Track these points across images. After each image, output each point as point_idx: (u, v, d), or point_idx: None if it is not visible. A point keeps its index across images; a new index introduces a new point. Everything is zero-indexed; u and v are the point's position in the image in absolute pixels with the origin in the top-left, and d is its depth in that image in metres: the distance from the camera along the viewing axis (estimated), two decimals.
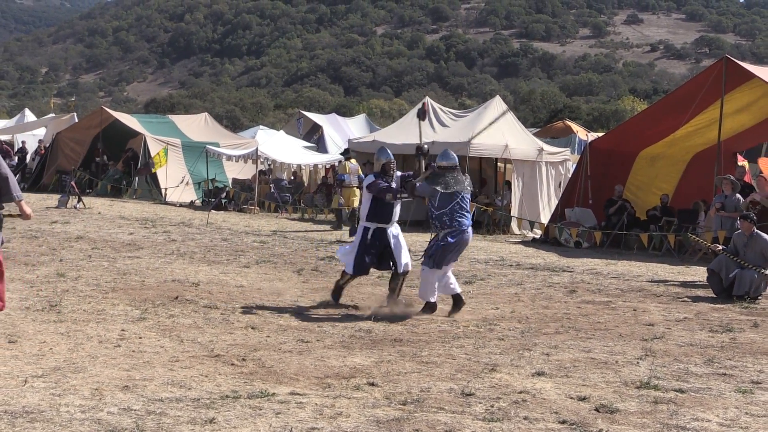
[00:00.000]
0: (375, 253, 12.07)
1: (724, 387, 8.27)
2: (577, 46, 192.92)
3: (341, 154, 28.27)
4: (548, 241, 22.59)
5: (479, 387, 7.91)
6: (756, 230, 14.58)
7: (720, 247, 14.97)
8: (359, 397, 7.45)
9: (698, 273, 16.40)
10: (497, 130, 26.05)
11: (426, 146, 12.58)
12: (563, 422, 6.90)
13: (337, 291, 12.44)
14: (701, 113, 21.19)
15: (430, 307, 11.78)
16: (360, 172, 26.31)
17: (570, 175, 25.48)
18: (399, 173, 12.49)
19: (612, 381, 8.35)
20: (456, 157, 11.90)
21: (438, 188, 11.61)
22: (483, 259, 18.59)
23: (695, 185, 22.55)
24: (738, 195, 17.94)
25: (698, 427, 6.92)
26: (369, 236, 12.10)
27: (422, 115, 14.30)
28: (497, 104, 27.86)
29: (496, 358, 9.21)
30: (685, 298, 14.04)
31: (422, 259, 11.93)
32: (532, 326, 11.11)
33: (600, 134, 32.41)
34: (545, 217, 25.06)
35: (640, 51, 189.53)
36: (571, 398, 7.65)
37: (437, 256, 11.65)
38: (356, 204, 25.55)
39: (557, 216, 23.50)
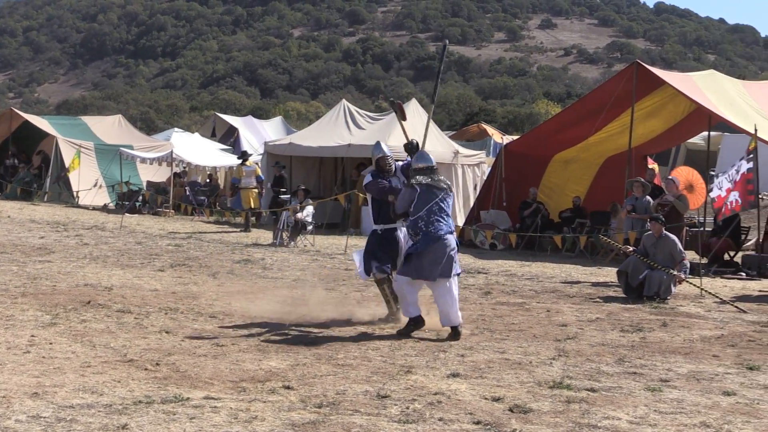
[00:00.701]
0: (384, 256, 11.23)
1: (634, 385, 8.41)
2: (493, 49, 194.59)
3: (239, 157, 28.20)
4: (463, 243, 22.71)
5: (395, 389, 7.93)
6: (665, 232, 14.88)
7: (630, 249, 15.24)
8: (274, 400, 7.42)
9: (610, 274, 16.67)
10: (414, 133, 26.10)
11: (415, 141, 11.48)
12: (478, 423, 6.95)
13: (391, 302, 11.43)
14: (613, 118, 21.55)
15: (415, 323, 10.67)
16: (258, 172, 26.32)
17: (485, 178, 25.70)
18: (399, 163, 11.60)
19: (526, 381, 8.44)
20: (432, 159, 11.04)
21: (416, 187, 10.68)
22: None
23: (607, 188, 22.91)
24: (648, 197, 18.31)
25: (609, 426, 7.03)
26: (377, 239, 11.37)
27: (402, 115, 12.77)
28: (413, 107, 27.97)
29: (411, 360, 9.25)
30: (597, 299, 14.26)
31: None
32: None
33: (515, 137, 32.77)
34: (461, 220, 25.23)
35: (554, 55, 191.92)
36: (486, 399, 7.72)
37: (412, 265, 10.59)
38: (254, 204, 25.57)
39: (472, 218, 23.70)
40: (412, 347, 9.92)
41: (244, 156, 27.23)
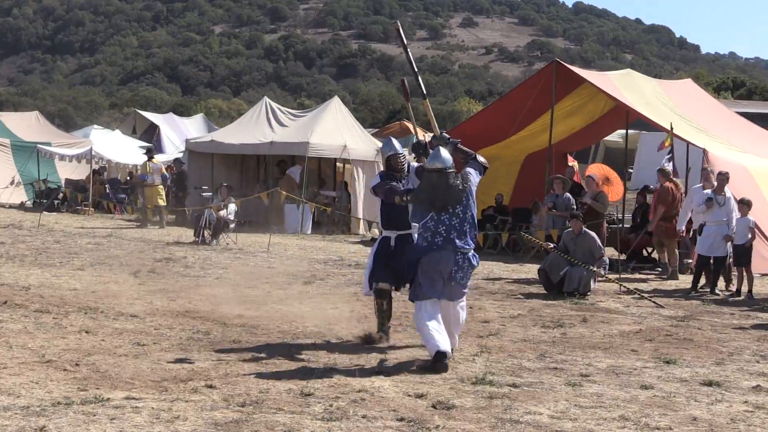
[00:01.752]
0: (392, 265, 9.86)
1: (555, 380, 8.52)
2: (415, 47, 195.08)
3: (144, 153, 28.05)
4: None
5: (318, 387, 7.92)
6: (584, 229, 15.09)
7: (551, 246, 15.42)
8: (197, 399, 7.36)
9: (531, 271, 16.85)
10: (336, 130, 26.17)
11: (423, 141, 10.22)
12: (401, 419, 6.98)
13: (379, 321, 10.26)
14: (533, 115, 21.78)
15: (437, 360, 8.75)
16: (164, 170, 26.18)
17: None
18: (415, 165, 10.17)
19: (449, 378, 8.49)
20: (449, 159, 9.28)
21: (419, 196, 9.25)
22: (322, 259, 18.64)
23: (529, 185, 23.13)
24: (568, 194, 18.55)
25: (530, 420, 7.11)
26: (387, 246, 10.00)
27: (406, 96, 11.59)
28: (336, 105, 27.99)
29: (335, 357, 9.24)
30: (519, 296, 14.40)
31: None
32: (371, 325, 11.17)
33: None
34: None
35: (475, 53, 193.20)
36: (409, 396, 7.75)
37: (417, 284, 9.18)
38: (160, 202, 25.45)
39: None
40: (336, 345, 9.91)
41: (149, 153, 27.10)
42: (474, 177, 9.39)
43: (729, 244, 15.21)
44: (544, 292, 14.66)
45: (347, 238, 24.12)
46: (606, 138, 29.69)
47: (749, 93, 77.16)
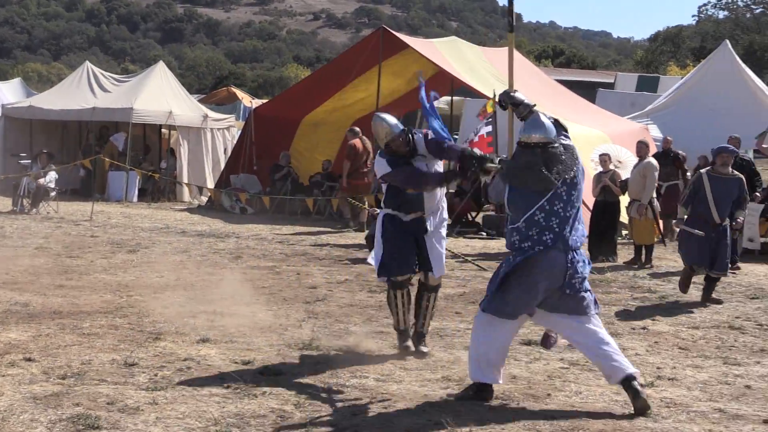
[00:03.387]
0: (409, 253, 8.29)
1: (381, 344, 8.64)
2: (242, 12, 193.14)
3: None
4: (214, 207, 22.59)
5: (143, 357, 7.80)
6: None
7: (377, 210, 15.55)
8: (15, 373, 7.14)
9: (359, 236, 16.97)
10: (161, 96, 25.66)
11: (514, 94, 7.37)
12: (228, 387, 6.96)
13: (402, 339, 8.45)
14: (360, 81, 21.93)
15: (478, 391, 6.93)
16: None
17: (235, 142, 25.55)
18: (421, 133, 8.31)
19: (276, 344, 8.50)
20: (552, 128, 6.94)
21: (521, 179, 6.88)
22: (148, 227, 18.29)
23: None
24: None
25: (357, 384, 7.21)
26: (400, 229, 8.27)
27: None
28: (161, 70, 27.42)
29: (160, 326, 9.11)
30: (346, 261, 14.50)
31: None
32: (197, 293, 11.07)
33: (265, 101, 32.70)
34: (211, 184, 25.00)
35: (303, 19, 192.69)
36: (236, 363, 7.72)
37: (498, 293, 6.94)
38: None
39: (223, 182, 23.53)
40: (161, 314, 9.76)
41: None
42: (575, 149, 7.04)
43: None
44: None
45: (173, 205, 23.74)
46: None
47: (568, 61, 79.97)
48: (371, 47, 20.88)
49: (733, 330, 9.85)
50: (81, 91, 26.36)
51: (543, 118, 6.94)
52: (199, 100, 33.80)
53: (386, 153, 8.20)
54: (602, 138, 18.71)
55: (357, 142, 19.32)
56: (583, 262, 6.92)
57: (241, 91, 46.38)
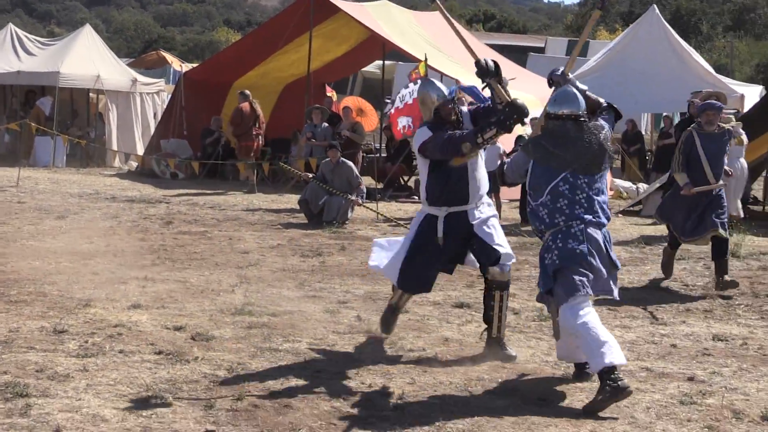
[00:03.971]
0: (439, 253, 7.29)
1: (314, 308, 8.67)
2: None
3: None
4: (144, 172, 22.35)
5: (72, 323, 7.72)
6: (342, 158, 15.29)
7: (310, 175, 15.54)
8: None
9: (291, 201, 16.93)
10: (89, 60, 25.22)
11: (490, 61, 7.05)
12: (159, 353, 6.93)
13: (389, 315, 7.68)
14: (291, 45, 21.79)
15: (612, 380, 6.07)
16: None
17: (165, 106, 25.26)
18: (465, 108, 7.52)
19: (208, 309, 8.47)
20: (581, 100, 6.64)
21: (544, 155, 6.60)
22: (76, 192, 18.04)
23: (288, 115, 23.17)
24: (326, 124, 18.76)
25: (290, 348, 7.23)
26: (431, 234, 7.25)
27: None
28: (88, 33, 26.94)
29: (90, 293, 9.01)
30: (279, 226, 14.46)
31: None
32: (128, 259, 10.97)
33: (195, 65, 32.35)
34: (141, 149, 24.71)
35: None
36: (168, 329, 7.69)
37: (558, 277, 6.47)
38: None
39: (153, 147, 23.26)
40: (91, 280, 9.66)
41: None
42: (608, 130, 6.77)
43: None
44: (304, 221, 14.79)
45: (103, 171, 23.43)
46: (364, 69, 30.07)
47: (499, 25, 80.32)
48: (302, 11, 20.72)
49: (660, 290, 10.05)
50: (4, 54, 25.78)
51: (573, 90, 6.68)
52: (128, 64, 33.31)
53: (433, 121, 7.29)
54: (533, 102, 18.76)
55: (246, 105, 19.84)
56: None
57: (171, 55, 45.81)
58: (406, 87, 18.19)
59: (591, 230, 6.45)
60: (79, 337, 7.32)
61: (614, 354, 6.13)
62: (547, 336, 7.74)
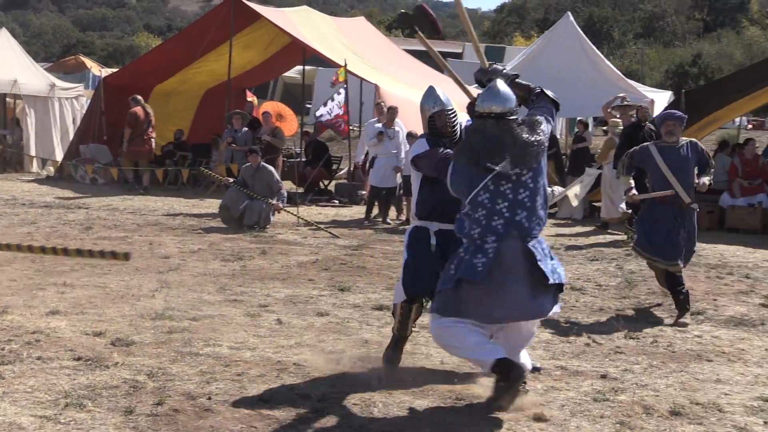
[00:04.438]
0: (435, 258, 6.78)
1: (235, 312, 8.70)
2: None
3: None
4: (63, 178, 22.10)
5: None
6: (263, 163, 15.32)
7: (231, 180, 15.54)
8: None
9: (212, 205, 16.88)
10: (5, 64, 24.84)
11: (500, 68, 6.78)
12: (78, 359, 6.91)
13: (393, 347, 7.19)
14: (212, 51, 21.75)
15: (507, 369, 6.08)
16: None
17: (84, 111, 24.99)
18: (466, 122, 6.97)
19: (128, 314, 8.46)
20: (511, 97, 6.20)
21: (461, 158, 6.15)
22: None
23: (209, 120, 23.11)
24: (247, 129, 18.81)
25: (210, 353, 7.26)
26: (425, 241, 6.87)
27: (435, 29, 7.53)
28: (5, 37, 26.52)
29: (7, 300, 8.91)
30: (200, 230, 14.43)
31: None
32: (46, 265, 10.86)
33: (115, 70, 32.05)
34: (60, 154, 24.41)
35: None
36: (87, 335, 7.66)
37: (443, 295, 6.22)
38: None
39: (72, 153, 23.01)
40: (8, 286, 9.56)
41: None
42: (545, 125, 6.29)
43: (399, 175, 15.97)
44: (224, 226, 14.78)
45: (21, 176, 23.10)
46: (285, 74, 30.12)
47: None
48: (223, 16, 20.70)
49: (575, 291, 10.27)
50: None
51: (501, 88, 6.20)
52: (47, 69, 32.86)
53: (429, 132, 6.95)
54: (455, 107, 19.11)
55: (138, 109, 20.19)
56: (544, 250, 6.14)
57: (90, 60, 45.31)
58: (339, 93, 18.41)
59: (507, 244, 5.98)
60: None
61: (492, 350, 6.11)
62: None
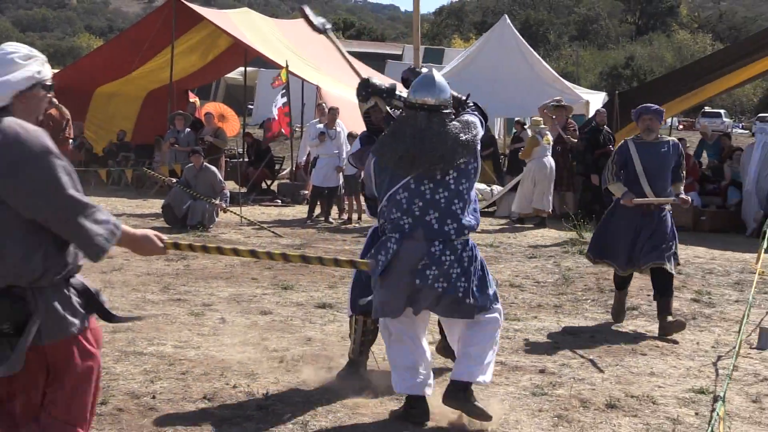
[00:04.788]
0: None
1: (179, 311, 8.75)
2: None
3: None
4: None
5: None
6: (205, 163, 15.36)
7: (174, 180, 15.56)
8: None
9: (155, 205, 16.84)
10: None
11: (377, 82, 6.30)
12: None
13: (356, 347, 6.75)
14: (155, 53, 21.71)
15: (411, 407, 5.88)
16: None
17: None
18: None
19: None
20: (447, 89, 5.68)
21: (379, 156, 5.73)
22: None
23: (151, 121, 23.05)
24: (189, 130, 18.84)
25: (155, 352, 7.28)
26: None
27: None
28: None
29: None
30: None
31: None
32: None
33: (56, 71, 31.77)
34: None
35: None
36: None
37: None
38: None
39: None
40: None
41: None
42: (479, 129, 5.78)
43: (341, 174, 16.10)
44: (168, 226, 14.78)
45: None
46: (227, 75, 30.10)
47: (358, 33, 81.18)
48: (165, 17, 20.66)
49: (513, 288, 10.46)
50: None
51: (438, 79, 5.70)
52: None
53: (366, 129, 6.47)
54: None
55: (54, 111, 19.53)
56: (458, 253, 5.63)
57: None
58: (282, 97, 18.52)
59: (410, 245, 5.56)
60: None
61: (408, 382, 5.84)
62: None
